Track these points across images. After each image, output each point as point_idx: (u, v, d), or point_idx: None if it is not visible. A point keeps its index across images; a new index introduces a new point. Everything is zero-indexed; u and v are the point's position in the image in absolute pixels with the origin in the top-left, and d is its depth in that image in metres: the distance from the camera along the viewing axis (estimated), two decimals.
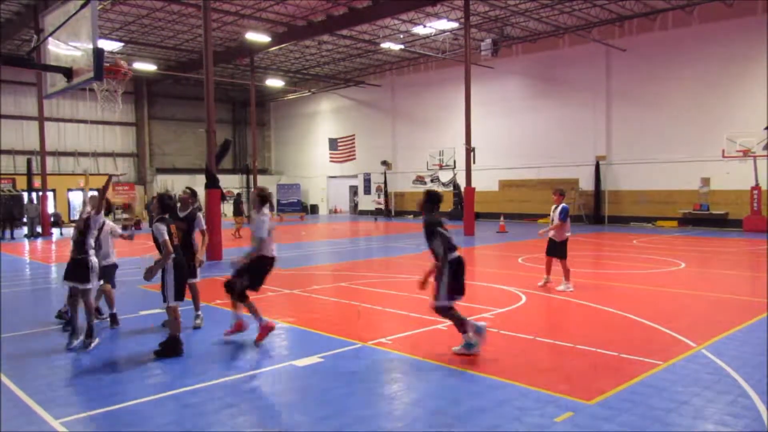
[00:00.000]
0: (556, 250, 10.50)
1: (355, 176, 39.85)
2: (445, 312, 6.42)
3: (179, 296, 6.52)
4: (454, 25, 25.56)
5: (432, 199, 6.61)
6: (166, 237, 6.46)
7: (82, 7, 6.46)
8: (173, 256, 6.50)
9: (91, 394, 5.39)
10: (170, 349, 6.43)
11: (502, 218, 25.12)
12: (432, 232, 6.37)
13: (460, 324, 6.37)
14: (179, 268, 6.56)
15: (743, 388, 5.21)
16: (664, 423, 4.52)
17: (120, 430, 4.62)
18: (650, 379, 5.48)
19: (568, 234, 10.51)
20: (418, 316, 8.21)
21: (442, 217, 6.53)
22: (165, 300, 6.55)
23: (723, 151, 23.04)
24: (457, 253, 6.39)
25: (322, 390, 5.37)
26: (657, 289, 10.41)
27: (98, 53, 6.41)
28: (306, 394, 5.37)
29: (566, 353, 6.37)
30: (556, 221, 10.47)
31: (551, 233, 10.53)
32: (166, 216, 6.72)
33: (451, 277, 6.30)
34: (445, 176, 33.96)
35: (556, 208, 10.56)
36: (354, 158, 39.73)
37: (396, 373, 5.94)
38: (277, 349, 6.81)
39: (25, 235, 24.31)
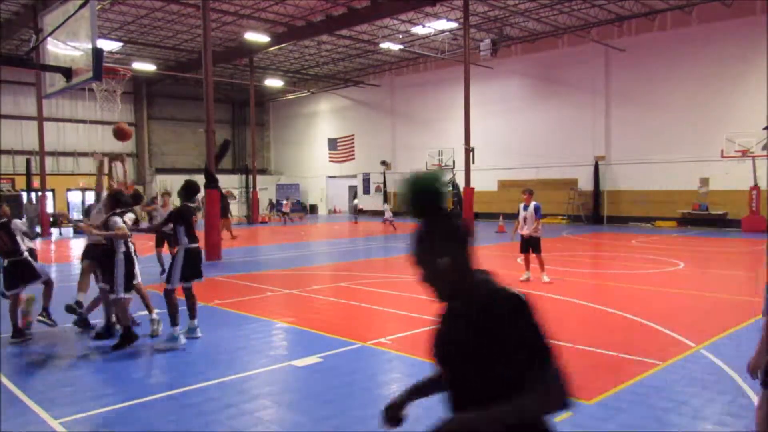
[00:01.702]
0: (534, 245, 11.15)
1: (355, 176, 39.84)
2: (169, 295, 6.93)
3: (128, 289, 6.84)
4: (454, 25, 25.57)
5: (187, 188, 7.23)
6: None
7: (81, 6, 6.44)
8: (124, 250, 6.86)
9: (91, 394, 5.38)
10: (126, 339, 6.74)
11: (501, 218, 25.14)
12: (179, 218, 7.02)
13: (173, 315, 6.89)
14: (129, 260, 6.90)
15: (742, 388, 5.22)
16: (663, 423, 4.53)
17: (120, 430, 4.62)
18: (649, 379, 5.49)
19: (540, 230, 11.29)
20: (417, 316, 8.21)
21: (195, 208, 7.49)
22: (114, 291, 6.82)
23: (722, 151, 23.05)
24: (196, 244, 7.10)
25: (321, 390, 5.37)
26: (656, 289, 10.42)
27: (97, 53, 6.39)
28: (306, 394, 5.37)
29: (565, 353, 6.35)
30: (533, 219, 11.11)
31: (526, 231, 11.16)
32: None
33: (184, 264, 6.94)
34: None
35: (526, 207, 11.21)
36: (353, 158, 39.74)
37: (396, 373, 5.95)
38: (277, 349, 6.82)
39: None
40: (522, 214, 11.23)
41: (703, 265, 13.79)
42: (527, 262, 11.37)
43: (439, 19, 25.44)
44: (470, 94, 22.78)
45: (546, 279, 10.96)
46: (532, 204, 11.18)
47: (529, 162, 30.12)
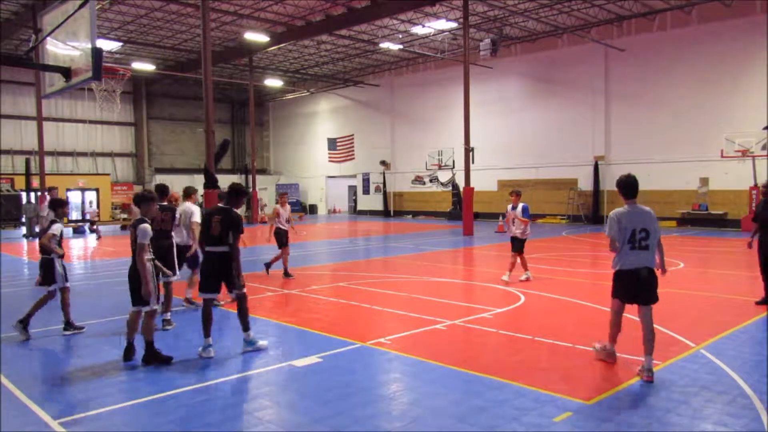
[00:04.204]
0: (521, 246, 11.24)
1: (354, 176, 39.85)
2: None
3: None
4: (453, 25, 25.57)
5: (236, 192, 6.79)
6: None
7: (81, 6, 6.44)
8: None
9: (91, 394, 5.38)
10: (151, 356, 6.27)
11: (500, 218, 25.11)
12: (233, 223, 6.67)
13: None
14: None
15: (742, 388, 5.22)
16: (663, 423, 4.53)
17: (120, 430, 4.62)
18: None
19: (528, 231, 11.35)
20: (417, 316, 8.21)
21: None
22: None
23: (722, 151, 23.06)
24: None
25: (321, 390, 5.36)
26: None
27: (97, 53, 6.39)
28: (305, 394, 5.37)
29: (565, 353, 6.37)
30: (521, 219, 11.13)
31: (518, 231, 11.18)
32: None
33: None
34: (443, 176, 33.98)
35: (514, 207, 11.25)
36: (353, 158, 39.75)
37: (395, 373, 5.94)
38: (276, 349, 6.81)
39: (24, 235, 24.28)
40: (509, 214, 11.33)
41: (702, 265, 13.79)
42: (524, 262, 11.44)
43: (439, 19, 25.44)
44: (470, 94, 22.75)
45: (524, 277, 11.18)
46: (520, 205, 11.26)
47: (528, 162, 30.12)
